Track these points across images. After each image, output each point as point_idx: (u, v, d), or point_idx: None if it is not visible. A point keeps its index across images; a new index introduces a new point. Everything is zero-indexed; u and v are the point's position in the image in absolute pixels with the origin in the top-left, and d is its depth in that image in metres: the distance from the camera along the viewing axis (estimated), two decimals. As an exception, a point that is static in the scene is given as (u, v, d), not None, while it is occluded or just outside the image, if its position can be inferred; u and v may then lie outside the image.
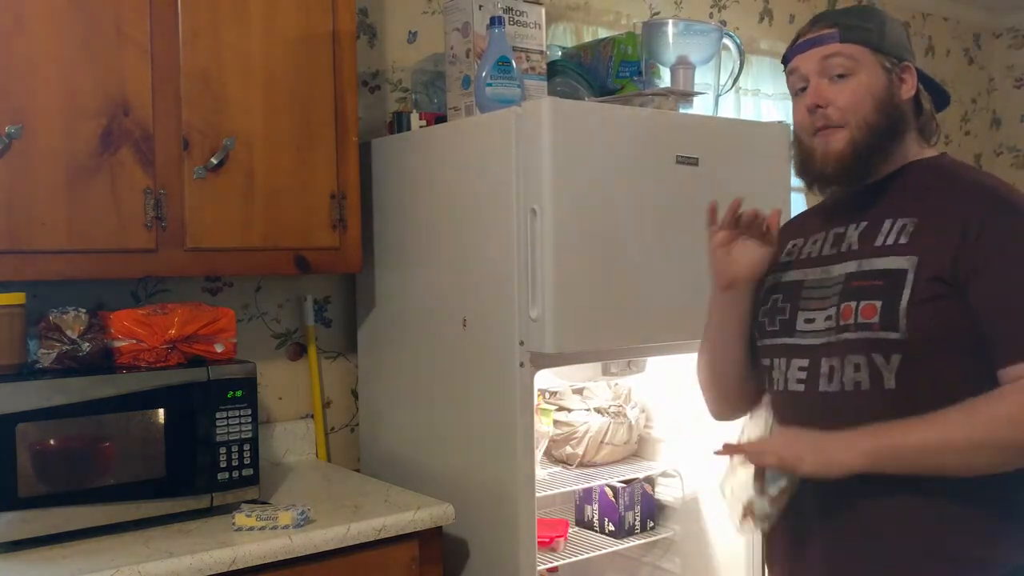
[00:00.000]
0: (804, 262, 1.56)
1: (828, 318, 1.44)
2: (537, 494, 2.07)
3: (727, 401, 1.69)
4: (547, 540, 2.42)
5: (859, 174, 1.49)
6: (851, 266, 1.45)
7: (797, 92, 1.54)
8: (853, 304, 1.41)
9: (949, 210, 1.39)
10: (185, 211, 2.02)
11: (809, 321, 1.48)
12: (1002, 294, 1.33)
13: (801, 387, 1.47)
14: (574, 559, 2.44)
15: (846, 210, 1.53)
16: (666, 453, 2.69)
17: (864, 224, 1.48)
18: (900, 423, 1.32)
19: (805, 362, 1.47)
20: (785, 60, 1.57)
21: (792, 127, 1.58)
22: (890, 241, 1.42)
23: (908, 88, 1.50)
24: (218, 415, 1.94)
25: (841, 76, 1.47)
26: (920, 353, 1.35)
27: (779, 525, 1.52)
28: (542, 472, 2.50)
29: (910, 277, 1.36)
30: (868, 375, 1.39)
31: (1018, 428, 1.28)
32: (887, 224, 1.44)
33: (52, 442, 1.78)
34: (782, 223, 1.69)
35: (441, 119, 2.44)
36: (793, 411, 1.49)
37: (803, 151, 1.53)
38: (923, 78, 1.53)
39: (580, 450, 2.60)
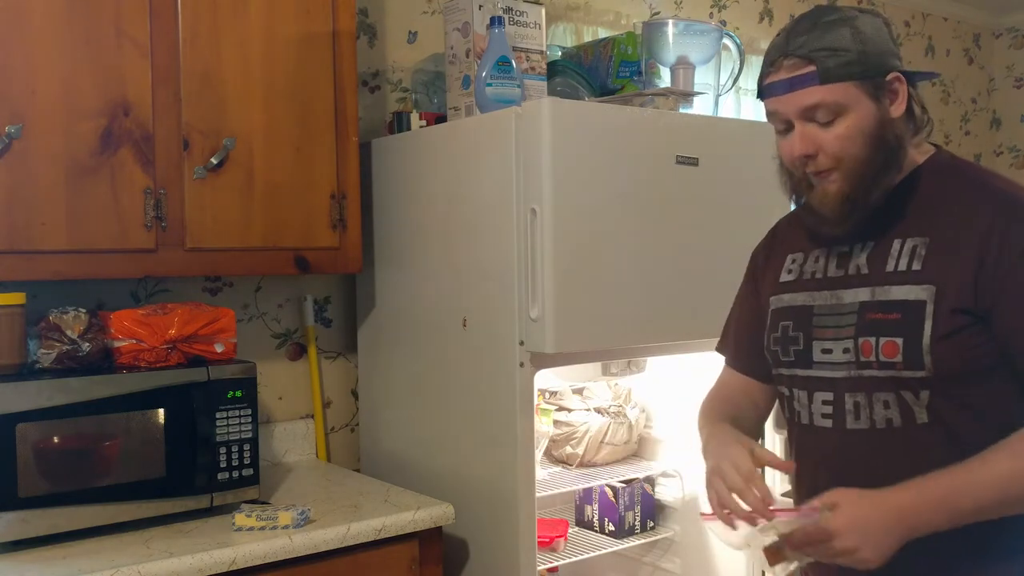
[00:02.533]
0: (809, 283, 1.47)
1: (846, 350, 1.38)
2: (537, 494, 2.07)
3: None
4: (547, 540, 2.42)
5: (858, 214, 1.38)
6: (863, 294, 1.38)
7: (779, 131, 1.42)
8: (872, 340, 1.34)
9: (962, 227, 1.32)
10: (185, 211, 2.02)
11: (826, 352, 1.41)
12: None
13: (828, 423, 1.42)
14: (574, 559, 2.44)
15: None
16: (666, 453, 2.69)
17: (871, 244, 1.40)
18: (950, 480, 1.26)
19: (829, 396, 1.41)
20: (760, 95, 1.43)
21: (779, 158, 1.45)
22: (902, 266, 1.35)
23: (900, 102, 1.37)
24: (218, 415, 1.94)
25: (828, 123, 1.35)
26: (950, 386, 1.31)
27: None
28: (542, 472, 2.50)
29: (929, 309, 1.30)
30: (899, 412, 1.34)
31: None
32: (896, 245, 1.37)
33: (52, 442, 1.77)
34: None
35: (441, 119, 2.44)
36: (820, 447, 1.44)
37: (796, 181, 1.43)
38: (908, 76, 1.39)
39: (580, 450, 2.60)
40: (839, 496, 1.28)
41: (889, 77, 1.36)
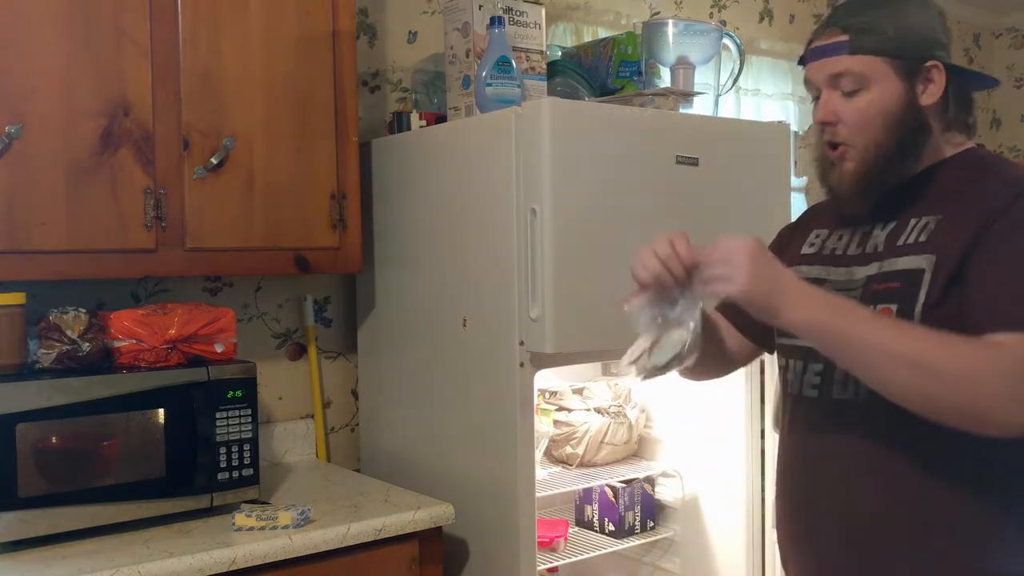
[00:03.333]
0: (827, 258, 1.49)
1: None
2: (537, 494, 2.07)
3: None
4: (547, 540, 2.42)
5: (873, 194, 1.41)
6: (872, 268, 1.40)
7: (812, 100, 1.47)
8: (871, 308, 1.35)
9: (974, 205, 1.32)
10: (185, 211, 2.02)
11: None
12: (991, 269, 1.27)
13: (815, 392, 1.44)
14: (574, 559, 2.45)
15: (875, 208, 1.45)
16: (666, 453, 2.69)
17: (892, 224, 1.41)
18: (856, 310, 1.28)
19: (820, 367, 1.43)
20: (800, 62, 1.50)
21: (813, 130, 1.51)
22: (911, 240, 1.36)
23: (933, 91, 1.39)
24: (218, 415, 1.94)
25: (852, 93, 1.39)
26: None
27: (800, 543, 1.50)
28: (542, 472, 2.50)
29: (927, 277, 1.31)
30: None
31: (956, 365, 1.21)
32: (912, 223, 1.38)
33: (52, 442, 1.77)
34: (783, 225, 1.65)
35: (441, 119, 2.44)
36: (805, 416, 1.46)
37: (823, 161, 1.46)
38: (957, 70, 1.41)
39: (580, 450, 2.60)
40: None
41: (928, 64, 1.38)
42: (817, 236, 1.55)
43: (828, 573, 1.44)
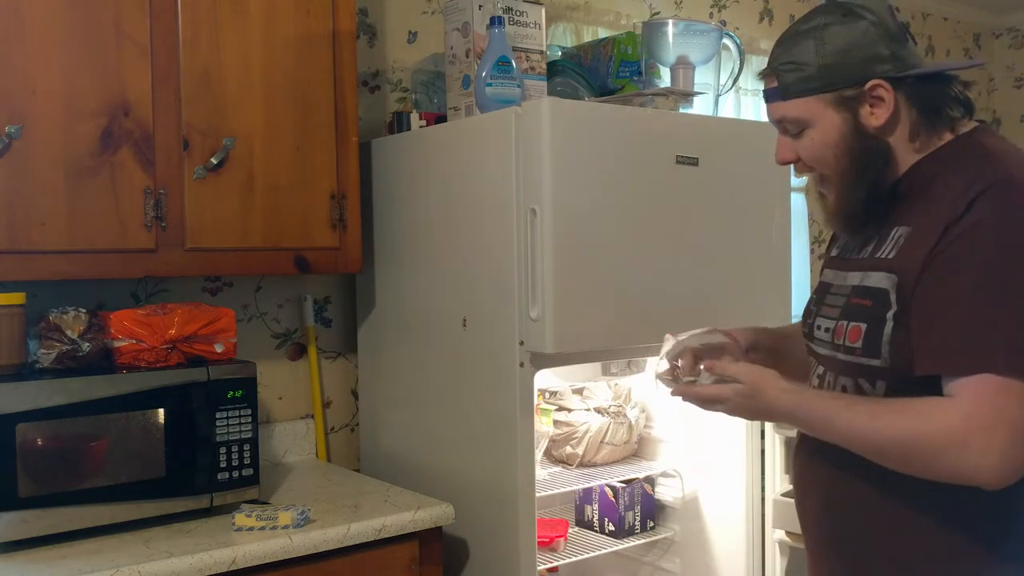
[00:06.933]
0: (839, 261, 1.48)
1: (827, 330, 1.41)
2: (537, 494, 2.07)
3: None
4: (547, 540, 2.42)
5: (860, 218, 1.39)
6: (856, 278, 1.39)
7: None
8: (844, 324, 1.36)
9: (935, 211, 1.28)
10: (185, 211, 2.02)
11: (819, 329, 1.44)
12: (935, 305, 1.25)
13: (817, 381, 1.47)
14: (574, 559, 2.45)
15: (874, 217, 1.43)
16: (666, 453, 2.69)
17: (883, 231, 1.38)
18: (831, 409, 1.32)
19: (821, 370, 1.46)
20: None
21: None
22: (885, 254, 1.34)
23: (881, 112, 1.33)
24: (218, 415, 1.94)
25: (798, 134, 1.39)
26: (905, 380, 1.29)
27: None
28: (542, 472, 2.50)
29: (892, 298, 1.30)
30: None
31: (911, 447, 1.24)
32: (893, 233, 1.35)
33: (52, 442, 1.77)
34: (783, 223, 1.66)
35: (441, 119, 2.44)
36: None
37: (817, 195, 1.47)
38: (906, 80, 1.33)
39: (580, 450, 2.60)
40: (743, 376, 1.39)
41: (868, 85, 1.33)
42: (843, 238, 1.52)
43: (813, 556, 1.49)
